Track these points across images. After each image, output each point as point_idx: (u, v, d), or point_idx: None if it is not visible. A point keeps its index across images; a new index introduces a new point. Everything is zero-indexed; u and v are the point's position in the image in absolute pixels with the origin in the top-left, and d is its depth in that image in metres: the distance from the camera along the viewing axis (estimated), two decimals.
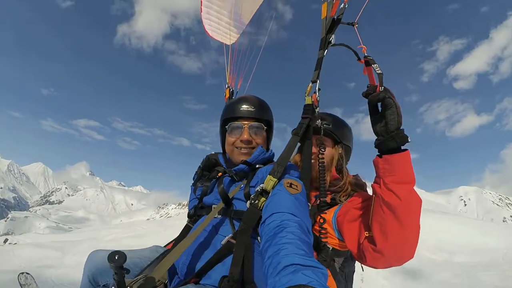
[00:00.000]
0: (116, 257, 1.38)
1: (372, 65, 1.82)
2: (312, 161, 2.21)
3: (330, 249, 2.07)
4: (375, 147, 1.83)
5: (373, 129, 1.83)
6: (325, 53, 2.16)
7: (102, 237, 16.32)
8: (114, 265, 1.38)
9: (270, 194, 1.77)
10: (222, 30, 3.93)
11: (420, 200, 1.72)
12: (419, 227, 1.74)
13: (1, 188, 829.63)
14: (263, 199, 1.77)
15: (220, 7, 3.86)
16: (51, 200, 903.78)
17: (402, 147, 1.72)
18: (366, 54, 1.89)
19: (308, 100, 2.14)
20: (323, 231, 1.97)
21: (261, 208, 1.76)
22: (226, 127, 2.23)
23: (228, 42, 3.84)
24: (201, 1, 3.82)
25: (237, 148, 2.19)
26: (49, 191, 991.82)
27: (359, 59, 1.94)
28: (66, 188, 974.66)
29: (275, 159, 2.27)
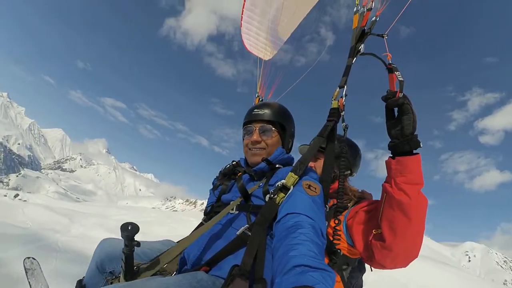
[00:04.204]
0: (129, 227, 1.45)
1: (395, 73, 1.93)
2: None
3: (341, 254, 2.07)
4: (389, 149, 1.94)
5: (388, 132, 1.95)
6: (353, 61, 2.26)
7: (110, 215, 16.56)
8: (126, 235, 1.44)
9: (288, 194, 1.79)
10: (260, 45, 4.11)
11: (427, 201, 1.85)
12: (424, 227, 1.86)
13: (19, 144, 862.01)
14: (282, 194, 1.79)
15: (260, 23, 4.01)
16: (63, 167, 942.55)
17: (414, 151, 1.84)
18: (390, 62, 2.00)
19: (335, 104, 2.19)
20: (336, 235, 1.99)
21: (279, 203, 1.77)
22: (243, 130, 2.38)
23: (265, 57, 4.04)
24: (241, 17, 4.04)
25: (249, 149, 2.29)
26: (63, 158, 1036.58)
27: (387, 67, 2.01)
28: (80, 159, 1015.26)
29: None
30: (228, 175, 2.44)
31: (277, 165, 2.21)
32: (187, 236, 1.88)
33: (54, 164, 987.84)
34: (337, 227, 2.00)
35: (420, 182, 1.82)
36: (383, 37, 2.16)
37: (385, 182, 1.96)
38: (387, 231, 1.90)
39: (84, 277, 2.09)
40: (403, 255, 1.96)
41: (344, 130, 2.25)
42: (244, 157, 2.44)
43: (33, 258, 2.60)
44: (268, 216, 1.73)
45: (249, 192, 2.05)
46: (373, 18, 2.23)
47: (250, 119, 2.33)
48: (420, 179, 1.82)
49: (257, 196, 2.03)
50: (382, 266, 2.10)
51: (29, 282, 2.32)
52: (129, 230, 1.46)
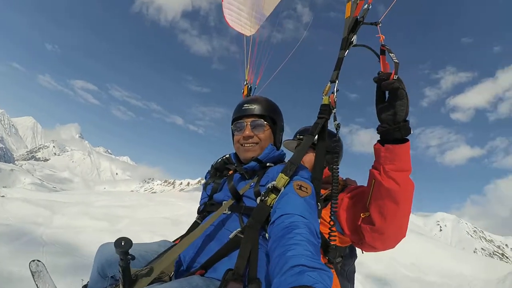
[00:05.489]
0: (123, 243, 1.43)
1: (390, 54, 1.86)
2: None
3: (334, 247, 2.02)
4: (378, 133, 1.92)
5: (378, 115, 1.92)
6: (345, 53, 2.16)
7: (91, 202, 16.02)
8: (120, 251, 1.44)
9: (279, 195, 1.79)
10: (243, 21, 3.94)
11: (414, 185, 1.87)
12: (411, 209, 1.91)
13: None
14: (273, 196, 1.79)
15: None
16: (37, 156, 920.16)
17: (405, 137, 1.84)
18: (383, 43, 1.94)
19: (325, 100, 2.11)
20: (332, 234, 1.95)
21: (271, 205, 1.77)
22: (232, 126, 2.33)
23: (247, 33, 3.88)
24: None
25: (241, 145, 2.25)
26: (36, 147, 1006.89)
27: (380, 60, 1.96)
28: (54, 147, 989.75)
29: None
30: (220, 170, 2.43)
31: (267, 164, 2.19)
32: (183, 240, 1.84)
33: (27, 154, 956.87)
34: (332, 228, 1.95)
35: (408, 168, 1.85)
36: (376, 25, 2.07)
37: (373, 168, 1.97)
38: (377, 216, 1.94)
39: (88, 282, 2.11)
40: (394, 237, 2.02)
41: (336, 129, 2.15)
42: (234, 152, 2.40)
43: (38, 260, 2.58)
44: (259, 218, 1.75)
45: (241, 193, 2.06)
46: (365, 6, 2.12)
47: (240, 115, 2.28)
48: (408, 166, 1.85)
49: (248, 196, 2.04)
50: (373, 248, 2.14)
51: (36, 285, 2.34)
52: (123, 245, 1.44)
